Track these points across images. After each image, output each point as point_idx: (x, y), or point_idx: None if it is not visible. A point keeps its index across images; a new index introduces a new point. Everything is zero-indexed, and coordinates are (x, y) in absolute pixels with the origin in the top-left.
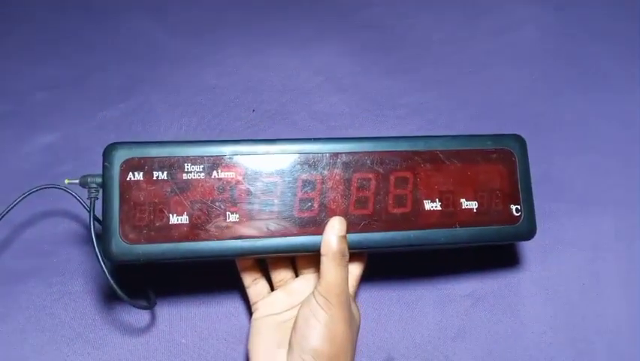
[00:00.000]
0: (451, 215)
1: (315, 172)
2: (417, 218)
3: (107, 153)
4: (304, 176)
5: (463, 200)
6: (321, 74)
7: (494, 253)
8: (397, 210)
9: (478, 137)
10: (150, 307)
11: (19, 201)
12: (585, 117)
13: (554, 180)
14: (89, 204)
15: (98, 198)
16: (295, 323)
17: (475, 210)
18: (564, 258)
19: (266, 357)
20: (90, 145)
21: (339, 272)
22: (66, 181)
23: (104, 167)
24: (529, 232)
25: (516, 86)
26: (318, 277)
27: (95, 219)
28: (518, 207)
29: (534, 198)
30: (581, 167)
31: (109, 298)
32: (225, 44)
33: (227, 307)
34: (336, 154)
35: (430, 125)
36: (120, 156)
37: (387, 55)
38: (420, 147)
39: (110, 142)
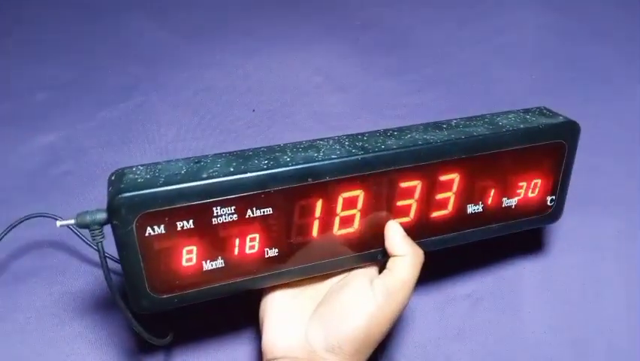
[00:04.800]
0: (490, 216)
1: (355, 193)
2: (458, 222)
3: (115, 210)
4: (345, 195)
5: (504, 199)
6: (321, 74)
7: (495, 253)
8: (438, 216)
9: (532, 131)
10: (167, 343)
11: (12, 227)
12: (585, 117)
13: None
14: (96, 249)
15: (105, 239)
16: (331, 301)
17: (513, 207)
18: (564, 258)
19: (282, 320)
20: (90, 145)
21: (418, 264)
22: (58, 224)
23: (113, 225)
24: (556, 217)
25: (516, 86)
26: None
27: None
28: (554, 197)
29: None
30: (581, 167)
31: (109, 298)
32: (225, 44)
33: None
34: (380, 173)
35: None
36: (131, 212)
37: (387, 55)
38: (470, 153)
39: (115, 191)
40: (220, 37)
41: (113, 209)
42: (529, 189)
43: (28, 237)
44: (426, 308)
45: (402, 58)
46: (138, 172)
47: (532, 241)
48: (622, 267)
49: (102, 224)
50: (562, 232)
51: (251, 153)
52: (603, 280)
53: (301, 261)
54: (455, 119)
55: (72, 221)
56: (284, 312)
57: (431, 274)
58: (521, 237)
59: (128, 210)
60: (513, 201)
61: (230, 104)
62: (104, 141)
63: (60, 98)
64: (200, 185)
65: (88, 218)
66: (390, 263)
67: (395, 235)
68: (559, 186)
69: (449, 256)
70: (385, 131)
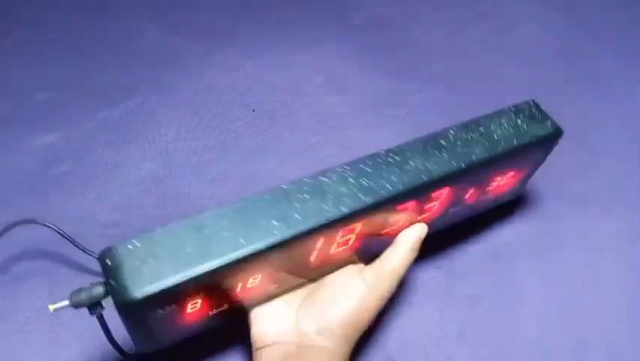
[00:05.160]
0: (469, 210)
1: (354, 225)
2: (438, 219)
3: (121, 306)
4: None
5: (485, 197)
6: (321, 74)
7: (494, 252)
8: (422, 218)
9: (524, 145)
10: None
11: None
12: (585, 117)
13: (555, 180)
14: (97, 320)
15: (104, 308)
16: (321, 286)
17: (487, 198)
18: (564, 258)
19: (271, 312)
20: (90, 145)
21: (409, 258)
22: (50, 309)
23: (117, 306)
24: (520, 193)
25: (516, 86)
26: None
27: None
28: (523, 182)
29: (536, 197)
30: (581, 167)
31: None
32: (225, 44)
33: None
34: (381, 210)
35: (430, 125)
36: (139, 306)
37: (387, 55)
38: (466, 175)
39: (117, 287)
40: (220, 37)
41: (119, 304)
42: (502, 181)
43: (29, 237)
44: (426, 308)
45: (402, 58)
46: (136, 253)
47: (533, 241)
48: (622, 267)
49: (99, 299)
50: (562, 232)
51: (254, 205)
52: (603, 280)
53: (297, 278)
54: (452, 130)
55: (66, 303)
56: (273, 301)
57: (431, 273)
58: (522, 237)
59: (135, 305)
60: (489, 195)
61: (230, 104)
62: (104, 141)
63: (60, 98)
64: (212, 268)
65: (82, 294)
66: (384, 253)
67: (412, 233)
68: (531, 175)
69: (449, 256)
70: (386, 155)
